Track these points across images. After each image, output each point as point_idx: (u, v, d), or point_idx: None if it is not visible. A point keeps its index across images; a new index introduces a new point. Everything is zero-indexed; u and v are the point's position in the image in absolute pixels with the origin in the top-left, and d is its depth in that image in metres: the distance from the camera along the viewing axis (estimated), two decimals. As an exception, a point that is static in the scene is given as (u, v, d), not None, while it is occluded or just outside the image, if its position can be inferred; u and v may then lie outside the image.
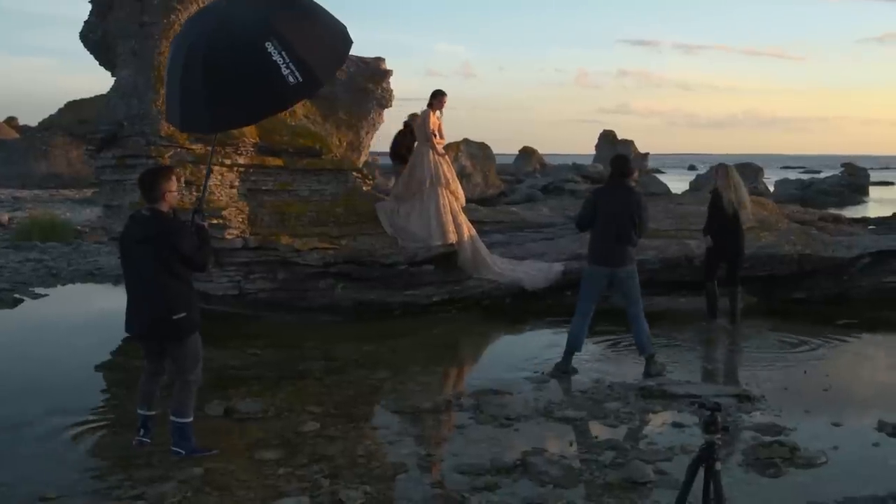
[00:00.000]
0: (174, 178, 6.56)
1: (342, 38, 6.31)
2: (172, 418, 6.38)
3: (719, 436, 4.31)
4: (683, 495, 4.42)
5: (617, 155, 9.82)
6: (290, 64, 5.73)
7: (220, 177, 11.37)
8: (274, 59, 5.71)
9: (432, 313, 11.75)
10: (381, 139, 15.76)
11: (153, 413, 6.63)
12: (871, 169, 64.46)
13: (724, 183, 11.23)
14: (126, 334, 6.78)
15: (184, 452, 6.30)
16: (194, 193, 11.03)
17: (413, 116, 14.34)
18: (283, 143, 11.96)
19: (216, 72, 5.88)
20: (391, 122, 14.25)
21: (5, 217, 23.15)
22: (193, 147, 11.15)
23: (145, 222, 6.28)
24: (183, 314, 6.26)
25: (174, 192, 6.46)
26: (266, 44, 5.70)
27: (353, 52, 7.20)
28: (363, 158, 13.61)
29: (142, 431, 6.58)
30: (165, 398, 6.78)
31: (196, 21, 6.46)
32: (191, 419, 6.41)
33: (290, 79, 5.75)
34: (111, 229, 12.30)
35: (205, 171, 10.92)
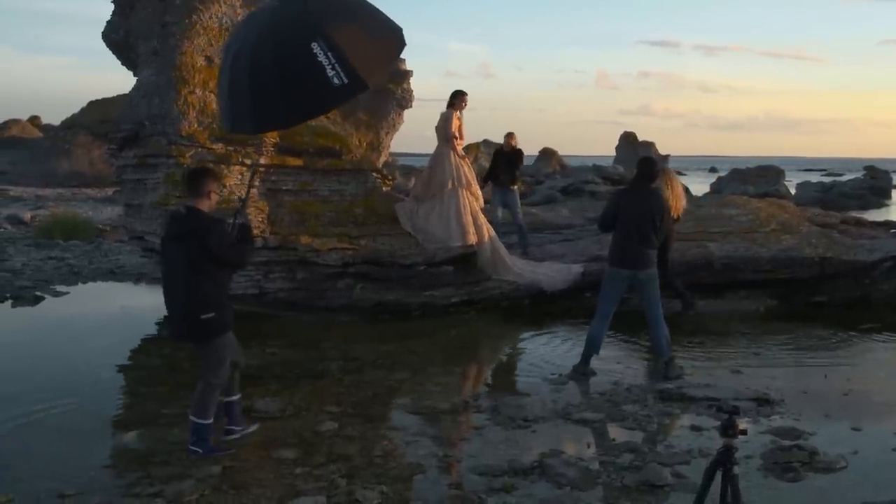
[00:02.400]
0: (218, 179, 6.62)
1: (394, 39, 6.24)
2: (192, 418, 6.41)
3: (737, 439, 4.29)
4: (701, 499, 4.40)
5: (644, 157, 9.78)
6: (336, 65, 5.66)
7: (240, 176, 11.41)
8: (319, 59, 5.65)
9: (451, 314, 11.75)
10: (401, 139, 15.86)
11: (234, 398, 6.71)
12: (895, 172, 63.99)
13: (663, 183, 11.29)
14: (144, 333, 6.82)
15: (201, 452, 6.33)
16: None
17: (509, 136, 14.89)
18: (303, 143, 11.99)
19: (262, 72, 5.85)
20: (411, 123, 14.24)
21: (28, 215, 23.33)
22: (214, 147, 11.20)
23: (181, 219, 6.30)
24: (212, 314, 6.26)
25: (217, 193, 6.54)
26: (312, 44, 5.65)
27: None
28: (383, 159, 13.63)
29: (225, 420, 6.68)
30: (185, 396, 6.80)
31: (248, 20, 6.44)
32: (210, 421, 6.42)
33: (335, 80, 5.67)
34: (132, 228, 12.37)
35: (225, 173, 11.04)
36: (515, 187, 14.44)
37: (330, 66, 5.61)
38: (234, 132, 7.26)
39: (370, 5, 6.26)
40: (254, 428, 6.84)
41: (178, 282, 6.26)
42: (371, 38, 6.01)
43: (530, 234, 14.25)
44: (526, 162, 17.34)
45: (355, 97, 6.16)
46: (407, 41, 6.20)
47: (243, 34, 6.21)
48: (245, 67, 5.92)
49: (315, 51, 5.63)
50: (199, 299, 6.23)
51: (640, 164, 9.25)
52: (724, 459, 4.30)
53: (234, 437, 6.67)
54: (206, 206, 6.34)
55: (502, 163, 14.34)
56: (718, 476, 4.33)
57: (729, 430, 4.27)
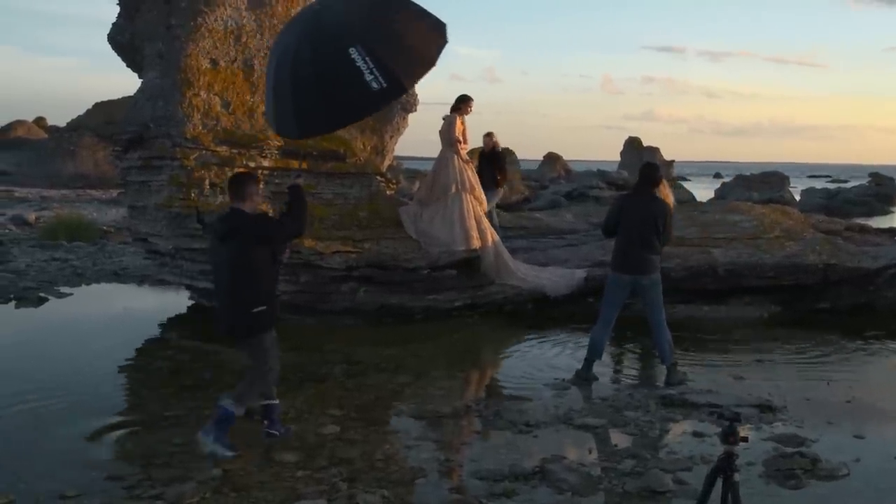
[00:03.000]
0: (259, 182, 6.83)
1: (435, 38, 6.20)
2: (224, 402, 6.47)
3: (738, 446, 4.29)
4: (701, 506, 4.41)
5: (647, 163, 9.78)
6: (374, 69, 5.69)
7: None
8: (357, 64, 5.68)
9: (454, 318, 11.76)
10: (406, 143, 15.88)
11: (273, 402, 6.79)
12: (900, 179, 63.89)
13: None
14: (148, 335, 6.84)
15: (210, 440, 6.37)
16: (219, 196, 11.10)
17: (488, 135, 14.92)
18: (307, 146, 11.98)
19: (303, 79, 5.92)
20: (415, 126, 14.26)
21: (32, 216, 23.36)
22: (218, 149, 11.21)
23: (227, 220, 6.52)
24: (262, 308, 6.43)
25: (259, 195, 6.70)
26: (350, 49, 5.69)
27: None
28: (387, 162, 13.63)
29: (266, 423, 6.78)
30: (188, 398, 6.79)
31: (292, 24, 6.51)
32: (240, 412, 6.56)
33: (374, 85, 5.69)
34: (136, 230, 12.39)
35: (228, 174, 11.05)
36: (500, 188, 14.49)
37: (368, 71, 5.65)
38: (279, 135, 7.42)
39: (413, 3, 6.24)
40: (229, 455, 6.44)
41: (228, 279, 6.46)
42: (411, 40, 6.03)
43: (534, 240, 14.25)
44: (531, 166, 17.34)
45: (395, 101, 6.10)
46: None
47: (286, 39, 6.28)
48: (287, 73, 6.00)
49: (353, 56, 5.67)
50: (250, 294, 6.41)
51: (643, 169, 9.25)
52: (725, 466, 4.30)
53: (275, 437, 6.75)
54: (248, 207, 6.52)
55: (483, 163, 14.36)
56: (720, 483, 4.33)
57: (730, 437, 4.28)
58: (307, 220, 6.89)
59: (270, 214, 6.66)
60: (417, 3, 6.25)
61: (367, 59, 5.66)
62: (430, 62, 6.17)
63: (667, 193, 9.82)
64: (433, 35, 6.18)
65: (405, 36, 6.01)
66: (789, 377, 9.24)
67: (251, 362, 6.67)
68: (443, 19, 6.32)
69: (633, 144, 57.60)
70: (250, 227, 6.43)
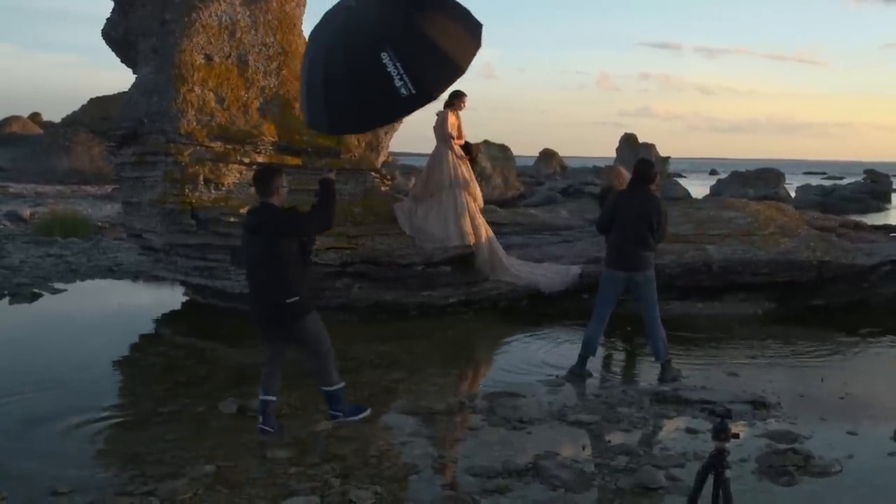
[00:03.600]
0: (283, 176, 6.95)
1: (468, 43, 6.29)
2: (322, 388, 6.87)
3: (729, 443, 4.29)
4: (692, 502, 4.41)
5: (641, 159, 9.78)
6: (404, 75, 5.80)
7: (238, 175, 11.41)
8: (388, 69, 5.79)
9: (448, 315, 11.75)
10: (401, 139, 15.83)
11: (272, 399, 6.89)
12: (895, 176, 63.98)
13: None
14: (142, 331, 6.83)
15: (342, 415, 6.84)
16: (213, 192, 11.08)
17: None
18: (301, 142, 11.97)
19: (334, 78, 6.09)
20: (411, 122, 14.24)
21: (27, 212, 23.31)
22: (213, 145, 11.19)
23: (257, 213, 6.71)
24: (296, 297, 6.60)
25: (285, 188, 6.83)
26: (382, 53, 5.80)
27: None
28: (382, 159, 13.61)
29: (260, 419, 6.84)
30: (182, 395, 6.78)
31: (326, 23, 6.57)
32: (339, 385, 6.88)
33: (403, 90, 5.81)
34: (130, 226, 12.37)
35: (223, 171, 11.05)
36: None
37: (398, 77, 5.79)
38: (310, 128, 7.57)
39: (450, 4, 6.33)
40: (365, 413, 7.05)
41: (260, 271, 6.67)
42: (444, 45, 6.08)
43: (529, 236, 14.23)
44: (527, 163, 17.28)
45: (422, 107, 6.25)
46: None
47: (321, 37, 6.44)
48: (320, 71, 6.18)
49: (384, 61, 5.80)
50: (283, 285, 6.59)
51: (638, 165, 9.25)
52: (716, 463, 4.30)
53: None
54: (276, 200, 6.69)
55: None
56: (710, 479, 4.33)
57: (721, 433, 4.28)
58: (335, 214, 7.00)
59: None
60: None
61: (397, 64, 5.79)
62: (460, 70, 6.25)
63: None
64: (467, 39, 6.27)
65: (438, 41, 6.05)
66: (783, 374, 9.25)
67: (305, 348, 6.87)
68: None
69: (628, 141, 57.53)
70: (279, 220, 6.58)
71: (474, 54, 6.31)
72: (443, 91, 6.49)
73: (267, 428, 6.79)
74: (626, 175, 11.74)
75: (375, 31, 5.98)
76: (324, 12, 6.65)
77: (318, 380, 6.92)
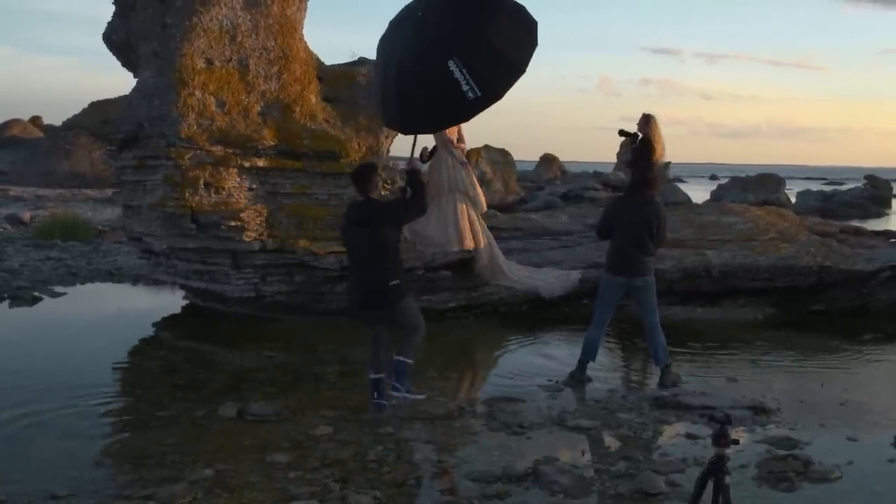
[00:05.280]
0: (379, 172, 7.73)
1: (525, 44, 6.93)
2: (396, 356, 7.45)
3: (729, 449, 4.29)
4: (693, 508, 4.40)
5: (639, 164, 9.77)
6: (471, 81, 6.49)
7: (239, 179, 11.40)
8: (456, 76, 6.48)
9: (449, 319, 11.73)
10: (402, 144, 15.81)
11: (381, 376, 7.53)
12: (895, 181, 63.96)
13: None
14: (141, 334, 6.82)
15: (402, 390, 7.41)
16: (213, 196, 11.08)
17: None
18: (302, 146, 11.97)
19: (408, 87, 6.84)
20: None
21: (27, 215, 23.31)
22: (213, 149, 11.18)
23: (361, 208, 7.41)
24: (397, 281, 7.31)
25: (381, 183, 7.61)
26: (449, 62, 6.49)
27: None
28: (382, 163, 13.61)
29: (375, 394, 7.52)
30: (181, 398, 6.77)
31: (396, 28, 7.31)
32: (412, 361, 7.50)
33: (470, 94, 6.53)
34: (131, 229, 12.37)
35: (223, 175, 11.07)
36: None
37: (465, 82, 6.49)
38: (387, 126, 8.36)
39: (508, 9, 6.95)
40: (421, 397, 7.68)
41: (366, 259, 7.32)
42: (504, 50, 6.78)
43: (529, 241, 14.21)
44: (527, 167, 17.23)
45: (488, 108, 6.89)
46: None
47: (391, 47, 7.19)
48: (393, 80, 6.94)
49: (452, 68, 6.49)
50: (386, 271, 7.29)
51: (635, 171, 9.25)
52: (716, 469, 4.30)
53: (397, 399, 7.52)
54: (375, 195, 7.43)
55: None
56: (710, 485, 4.32)
57: (721, 439, 4.28)
58: (427, 203, 7.77)
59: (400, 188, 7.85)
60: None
61: (463, 70, 6.48)
62: (520, 71, 6.95)
63: (658, 134, 10.10)
64: (525, 40, 6.93)
65: (500, 46, 6.74)
66: (783, 379, 9.25)
67: (403, 330, 7.52)
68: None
69: (629, 147, 57.45)
70: (383, 213, 7.34)
71: (532, 53, 6.96)
72: (506, 92, 7.00)
73: (381, 402, 7.47)
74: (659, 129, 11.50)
75: (443, 42, 6.64)
76: (390, 19, 7.50)
77: (399, 350, 7.48)
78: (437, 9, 6.92)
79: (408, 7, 7.40)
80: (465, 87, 6.50)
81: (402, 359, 7.46)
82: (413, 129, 7.54)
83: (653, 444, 6.98)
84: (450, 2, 6.98)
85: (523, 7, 7.04)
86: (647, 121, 11.88)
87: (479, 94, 6.54)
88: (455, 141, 12.40)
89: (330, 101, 12.78)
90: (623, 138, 12.03)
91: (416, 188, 7.47)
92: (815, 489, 6.07)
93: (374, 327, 7.69)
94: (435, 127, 7.52)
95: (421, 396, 7.66)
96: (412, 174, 7.58)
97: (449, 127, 7.78)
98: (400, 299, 7.39)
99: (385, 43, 7.37)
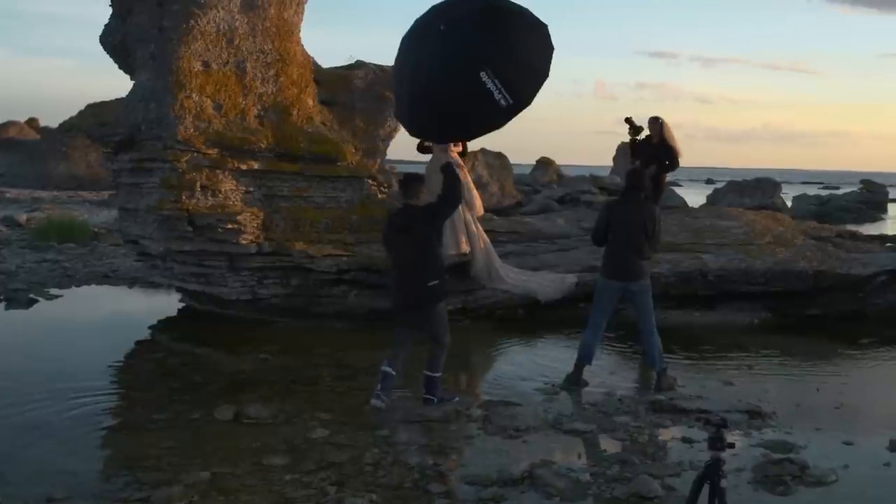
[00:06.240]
0: (423, 182, 8.09)
1: (545, 50, 7.45)
2: (426, 372, 7.92)
3: (725, 452, 4.29)
4: (689, 511, 4.41)
5: (633, 168, 9.80)
6: (502, 89, 6.97)
7: (236, 182, 11.41)
8: (488, 86, 6.95)
9: (445, 322, 11.72)
10: (399, 147, 15.85)
11: (392, 371, 7.84)
12: (891, 186, 64.06)
13: None
14: (137, 337, 6.82)
15: (434, 400, 7.80)
16: (210, 198, 11.08)
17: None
18: (299, 149, 11.98)
19: (438, 97, 7.26)
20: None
21: (23, 217, 23.30)
22: (209, 152, 11.18)
23: (401, 214, 7.94)
24: (436, 281, 7.76)
25: (424, 192, 7.96)
26: (481, 73, 6.94)
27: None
28: (379, 166, 13.62)
29: (378, 386, 7.80)
30: (177, 401, 6.75)
31: (418, 39, 7.74)
32: (440, 374, 7.92)
33: (502, 102, 7.02)
34: (127, 232, 12.37)
35: (220, 178, 11.07)
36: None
37: (497, 91, 6.97)
38: (416, 136, 8.67)
39: (526, 23, 7.45)
40: (455, 399, 8.01)
41: (409, 262, 7.77)
42: (529, 58, 7.33)
43: (526, 244, 14.21)
44: (524, 171, 17.23)
45: (519, 113, 7.37)
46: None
47: (415, 60, 7.63)
48: (424, 90, 7.37)
49: (484, 79, 6.96)
50: (426, 272, 7.71)
51: (629, 175, 9.27)
52: (712, 472, 4.30)
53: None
54: (416, 201, 7.84)
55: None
56: (706, 489, 4.33)
57: (717, 443, 4.28)
58: (460, 194, 8.23)
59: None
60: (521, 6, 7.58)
61: (495, 80, 6.94)
62: (545, 75, 7.49)
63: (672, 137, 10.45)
64: (544, 45, 7.45)
65: (524, 54, 7.30)
66: (779, 383, 9.27)
67: (433, 334, 7.93)
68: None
69: (625, 149, 57.40)
70: (423, 217, 7.74)
71: (552, 57, 7.47)
72: (535, 97, 7.51)
73: (381, 395, 7.74)
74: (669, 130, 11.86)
75: (472, 55, 7.10)
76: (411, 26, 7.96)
77: (428, 365, 7.92)
78: (461, 23, 7.35)
79: (424, 21, 7.77)
80: (497, 96, 6.95)
81: (431, 374, 7.91)
82: (448, 138, 8.24)
83: (649, 447, 6.98)
84: (473, 16, 7.38)
85: (531, 13, 7.54)
86: (661, 126, 12.05)
87: (510, 101, 7.02)
88: (451, 145, 12.43)
89: (327, 105, 12.79)
90: (629, 132, 12.25)
91: (450, 180, 7.92)
92: (810, 493, 6.08)
93: (410, 330, 8.07)
94: (470, 135, 7.95)
95: (454, 401, 7.94)
96: (445, 167, 8.09)
97: (484, 134, 8.05)
98: (436, 301, 7.84)
99: (405, 57, 7.78)
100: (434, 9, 7.76)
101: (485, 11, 7.40)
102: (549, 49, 7.49)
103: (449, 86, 7.23)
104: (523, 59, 7.29)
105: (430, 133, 8.07)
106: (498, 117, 7.30)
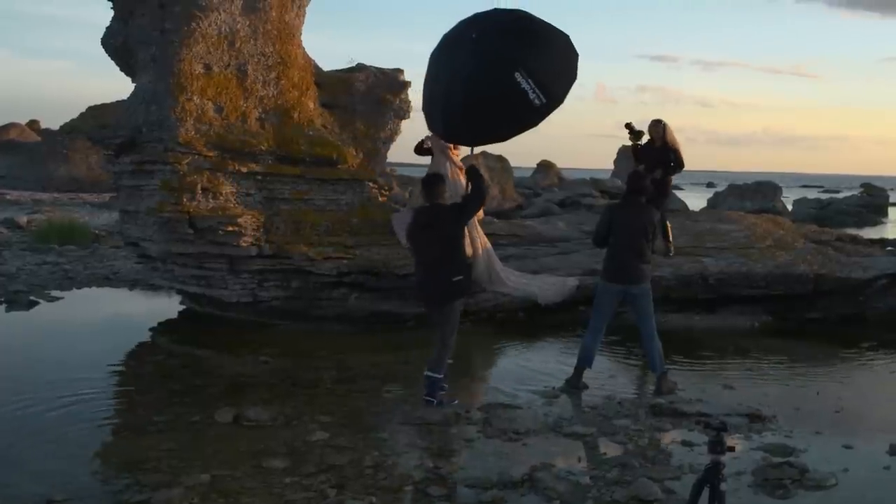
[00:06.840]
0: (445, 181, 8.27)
1: (570, 54, 7.79)
2: (427, 372, 8.00)
3: (725, 456, 4.29)
4: (688, 515, 4.41)
5: (634, 171, 9.80)
6: (536, 89, 7.27)
7: (236, 184, 11.42)
8: (523, 87, 7.24)
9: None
10: (399, 150, 15.85)
11: (437, 375, 8.00)
12: (891, 189, 64.06)
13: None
14: (138, 339, 6.81)
15: (434, 401, 7.86)
16: (210, 201, 11.08)
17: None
18: (300, 152, 11.99)
19: (477, 99, 7.50)
20: (409, 133, 14.28)
21: (24, 219, 23.30)
22: (210, 154, 11.19)
23: (427, 212, 8.10)
24: (461, 277, 8.03)
25: (447, 192, 8.15)
26: (515, 74, 7.24)
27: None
28: (380, 169, 13.63)
29: (425, 391, 8.01)
30: (177, 403, 6.75)
31: (451, 48, 7.99)
32: (442, 375, 8.00)
33: (537, 102, 7.32)
34: (128, 234, 12.37)
35: (221, 180, 11.07)
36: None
37: (531, 90, 7.27)
38: (448, 142, 8.61)
39: (549, 30, 7.77)
40: (454, 402, 8.01)
41: (434, 258, 7.98)
42: (558, 60, 7.68)
43: (526, 248, 14.21)
44: (524, 174, 17.23)
45: (550, 114, 7.62)
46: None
47: (448, 68, 7.87)
48: (460, 94, 7.63)
49: (518, 80, 7.25)
50: (450, 268, 7.95)
51: (630, 178, 9.28)
52: (712, 476, 4.30)
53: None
54: (440, 200, 8.04)
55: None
56: (706, 493, 4.33)
57: (717, 446, 4.28)
58: (486, 192, 8.40)
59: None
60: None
61: (529, 81, 7.24)
62: (574, 76, 7.84)
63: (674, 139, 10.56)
64: (569, 50, 7.80)
65: (554, 57, 7.65)
66: (779, 387, 9.26)
67: (442, 332, 8.05)
68: (442, 26, 8.14)
69: (626, 153, 57.37)
70: (449, 215, 7.95)
71: (577, 61, 7.82)
72: (565, 97, 7.78)
73: (430, 399, 7.92)
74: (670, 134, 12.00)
75: (506, 58, 7.36)
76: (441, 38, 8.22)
77: (429, 365, 8.02)
78: (492, 31, 7.68)
79: (453, 34, 8.07)
80: (531, 96, 7.24)
81: (432, 374, 7.98)
82: (484, 140, 8.34)
83: (649, 451, 6.98)
84: (503, 25, 7.77)
85: (552, 24, 7.89)
86: (663, 128, 12.09)
87: (544, 100, 7.30)
88: (452, 147, 12.42)
89: (328, 107, 12.81)
90: (630, 138, 12.29)
91: (475, 179, 8.09)
92: (810, 497, 6.08)
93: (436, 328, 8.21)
94: (510, 134, 7.95)
95: (455, 402, 8.01)
96: (470, 168, 8.25)
97: (518, 134, 8.17)
98: (457, 294, 8.08)
99: (436, 68, 8.04)
100: (463, 23, 8.04)
101: (513, 21, 7.78)
102: (574, 54, 7.81)
103: (486, 88, 7.49)
104: (553, 61, 7.61)
105: (465, 136, 8.18)
106: (532, 117, 7.54)
